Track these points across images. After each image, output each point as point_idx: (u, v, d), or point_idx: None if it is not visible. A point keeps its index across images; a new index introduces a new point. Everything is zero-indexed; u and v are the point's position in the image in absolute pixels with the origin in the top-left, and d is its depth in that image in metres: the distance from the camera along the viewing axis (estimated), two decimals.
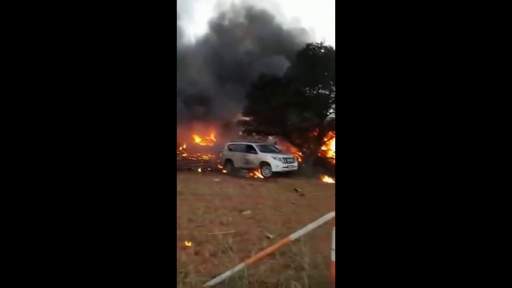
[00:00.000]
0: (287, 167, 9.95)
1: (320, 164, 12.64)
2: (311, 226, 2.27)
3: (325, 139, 13.78)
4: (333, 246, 2.15)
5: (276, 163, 9.72)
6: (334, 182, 10.03)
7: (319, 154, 13.50)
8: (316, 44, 12.11)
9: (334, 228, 2.17)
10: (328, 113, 12.68)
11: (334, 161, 14.39)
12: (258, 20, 18.61)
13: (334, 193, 2.28)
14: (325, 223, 2.20)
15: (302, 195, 6.31)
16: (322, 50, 11.88)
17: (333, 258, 2.14)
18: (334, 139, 14.53)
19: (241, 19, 19.20)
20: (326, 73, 11.45)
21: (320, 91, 12.17)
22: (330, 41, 12.01)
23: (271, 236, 3.11)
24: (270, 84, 12.25)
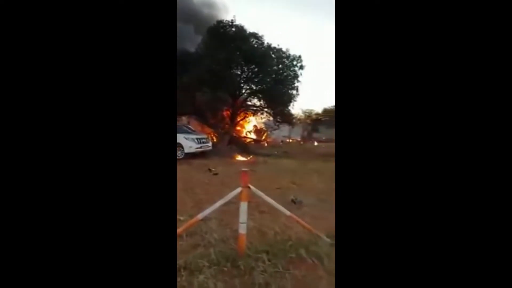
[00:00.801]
0: (200, 147, 9.78)
1: (234, 143, 12.99)
2: (218, 204, 2.29)
3: (239, 119, 14.15)
4: (241, 220, 2.25)
5: (189, 144, 9.41)
6: (246, 159, 10.52)
7: (234, 134, 13.82)
8: (227, 22, 11.92)
9: (241, 202, 2.26)
10: (240, 93, 12.94)
11: (247, 140, 15.04)
12: None
13: (244, 168, 2.37)
14: (235, 198, 2.27)
15: (215, 174, 6.35)
16: (233, 29, 11.80)
17: (241, 231, 2.24)
18: (247, 119, 15.10)
19: None
20: (237, 53, 11.50)
21: (232, 71, 12.20)
22: (240, 19, 12.02)
23: (181, 218, 3.02)
24: (181, 60, 11.51)
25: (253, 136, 16.24)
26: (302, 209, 3.52)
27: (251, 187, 2.26)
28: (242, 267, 1.89)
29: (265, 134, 17.65)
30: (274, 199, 2.51)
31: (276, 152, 12.81)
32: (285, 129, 20.46)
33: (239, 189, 2.22)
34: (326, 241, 2.29)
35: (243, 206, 2.18)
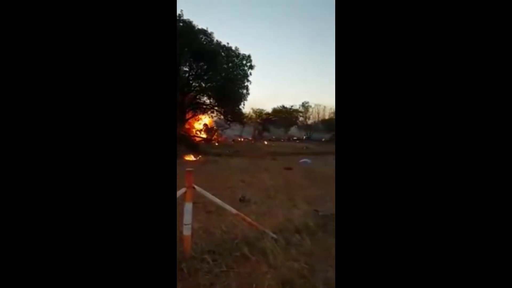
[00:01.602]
0: None
1: (183, 142, 12.53)
2: None
3: (187, 117, 13.70)
4: (185, 221, 2.17)
5: None
6: (195, 159, 10.25)
7: (182, 132, 13.33)
8: None
9: (186, 203, 2.18)
10: (189, 90, 12.54)
11: (196, 139, 14.65)
12: None
13: (188, 168, 2.29)
14: (180, 199, 2.17)
15: None
16: (181, 24, 11.36)
17: (185, 232, 2.16)
18: (196, 118, 14.67)
19: None
20: (185, 49, 11.11)
21: (180, 67, 11.74)
22: (187, 14, 11.63)
23: None
24: None
25: (203, 135, 15.90)
26: (250, 206, 3.56)
27: (196, 187, 2.20)
28: (185, 270, 1.82)
29: (216, 133, 17.44)
30: (223, 198, 2.49)
31: (227, 151, 12.76)
32: (237, 128, 20.53)
33: (183, 190, 2.14)
34: (272, 237, 2.36)
35: (188, 206, 2.12)
